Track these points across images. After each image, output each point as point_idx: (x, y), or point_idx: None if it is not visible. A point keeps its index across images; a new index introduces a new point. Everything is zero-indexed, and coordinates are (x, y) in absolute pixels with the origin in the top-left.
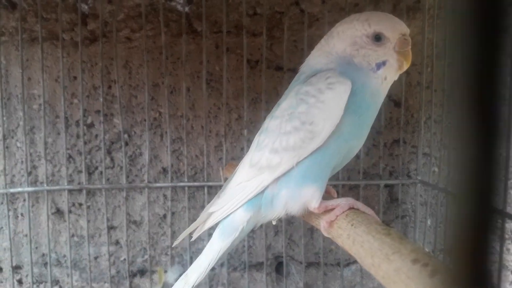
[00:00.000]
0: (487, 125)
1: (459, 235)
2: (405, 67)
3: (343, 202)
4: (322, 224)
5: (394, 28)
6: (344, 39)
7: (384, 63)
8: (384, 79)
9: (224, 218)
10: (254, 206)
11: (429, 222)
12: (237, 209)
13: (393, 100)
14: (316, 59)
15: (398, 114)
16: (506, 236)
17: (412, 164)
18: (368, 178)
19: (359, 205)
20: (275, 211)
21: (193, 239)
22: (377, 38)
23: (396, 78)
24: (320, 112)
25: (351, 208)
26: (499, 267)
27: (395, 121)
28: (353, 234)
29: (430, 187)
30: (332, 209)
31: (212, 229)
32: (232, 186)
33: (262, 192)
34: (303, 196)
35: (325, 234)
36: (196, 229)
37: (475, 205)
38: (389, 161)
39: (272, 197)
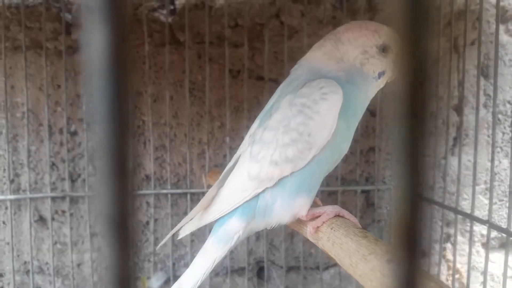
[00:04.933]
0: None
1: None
2: (394, 76)
3: (329, 210)
4: (308, 230)
5: (397, 41)
6: (356, 46)
7: (383, 72)
8: (378, 86)
9: (220, 227)
10: (249, 216)
11: None
12: (232, 217)
13: (369, 110)
14: (323, 63)
15: (373, 123)
16: (476, 239)
17: (387, 170)
18: (346, 184)
19: (344, 212)
20: (268, 221)
21: (180, 237)
22: (384, 49)
23: (382, 85)
24: (316, 123)
25: (336, 216)
26: (468, 268)
27: (371, 130)
28: (332, 237)
29: None
30: (318, 216)
31: (193, 234)
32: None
33: (256, 201)
34: (295, 207)
35: (310, 238)
36: (180, 229)
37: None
38: (365, 168)
39: (265, 207)
